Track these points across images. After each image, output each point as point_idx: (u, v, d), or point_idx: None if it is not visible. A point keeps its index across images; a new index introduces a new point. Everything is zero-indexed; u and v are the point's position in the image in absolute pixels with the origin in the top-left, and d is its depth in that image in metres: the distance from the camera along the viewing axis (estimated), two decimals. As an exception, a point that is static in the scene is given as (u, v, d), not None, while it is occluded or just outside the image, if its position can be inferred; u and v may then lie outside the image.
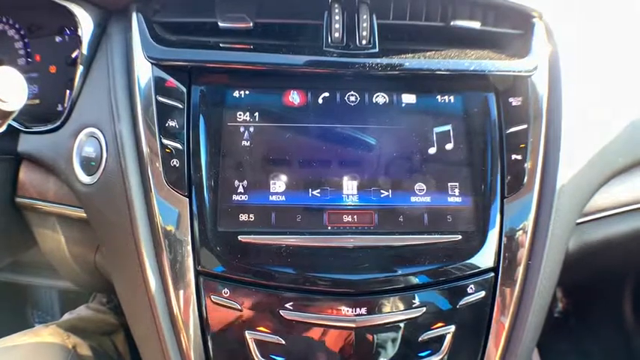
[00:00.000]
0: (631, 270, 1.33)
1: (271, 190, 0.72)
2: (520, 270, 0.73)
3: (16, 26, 0.91)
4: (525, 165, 0.74)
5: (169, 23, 0.76)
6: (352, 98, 0.76)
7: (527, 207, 0.74)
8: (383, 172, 0.74)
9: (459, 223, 0.73)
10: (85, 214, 0.79)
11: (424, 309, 0.70)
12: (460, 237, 0.72)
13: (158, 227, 0.69)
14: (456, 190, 0.74)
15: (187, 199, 0.70)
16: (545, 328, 0.79)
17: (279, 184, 0.73)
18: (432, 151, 0.75)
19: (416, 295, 0.70)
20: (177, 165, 0.71)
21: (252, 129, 0.74)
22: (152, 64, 0.72)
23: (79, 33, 0.77)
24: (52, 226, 0.89)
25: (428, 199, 0.74)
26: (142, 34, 0.73)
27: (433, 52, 0.76)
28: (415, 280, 0.70)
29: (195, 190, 0.70)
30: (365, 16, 0.74)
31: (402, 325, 0.70)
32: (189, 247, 0.69)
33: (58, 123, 0.78)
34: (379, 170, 0.74)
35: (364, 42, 0.74)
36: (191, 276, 0.69)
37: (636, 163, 0.86)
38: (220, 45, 0.73)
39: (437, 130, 0.76)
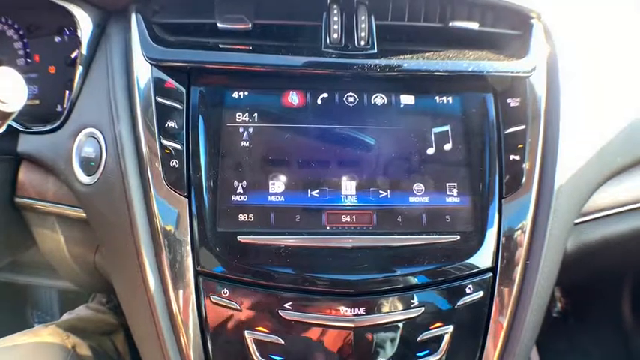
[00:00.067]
0: (629, 270, 1.33)
1: (270, 191, 0.73)
2: (518, 270, 0.73)
3: (16, 26, 0.91)
4: (523, 165, 0.75)
5: (168, 24, 0.76)
6: (351, 99, 0.76)
7: (525, 207, 0.74)
8: (381, 172, 0.74)
9: (458, 224, 0.74)
10: (84, 215, 0.79)
11: (422, 309, 0.70)
12: (458, 237, 0.72)
13: (157, 227, 0.70)
14: (455, 191, 0.75)
15: (187, 199, 0.70)
16: (544, 328, 0.79)
17: (278, 184, 0.73)
18: (431, 151, 0.76)
19: (414, 295, 0.70)
20: (177, 165, 0.71)
21: (251, 130, 0.74)
22: (151, 64, 0.72)
23: (79, 33, 0.77)
24: (51, 226, 0.89)
25: (426, 199, 0.74)
26: (142, 34, 0.73)
27: (431, 52, 0.76)
28: (414, 280, 0.71)
29: (194, 191, 0.71)
30: (363, 17, 0.74)
31: (400, 324, 0.70)
32: (189, 248, 0.70)
33: (58, 123, 0.78)
34: (378, 171, 0.74)
35: (363, 43, 0.74)
36: (190, 276, 0.70)
37: (634, 163, 0.86)
38: (219, 46, 0.73)
39: (435, 130, 0.76)
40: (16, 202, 0.86)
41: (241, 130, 0.74)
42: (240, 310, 0.69)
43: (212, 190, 0.71)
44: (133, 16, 0.74)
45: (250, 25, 0.76)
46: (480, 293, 0.72)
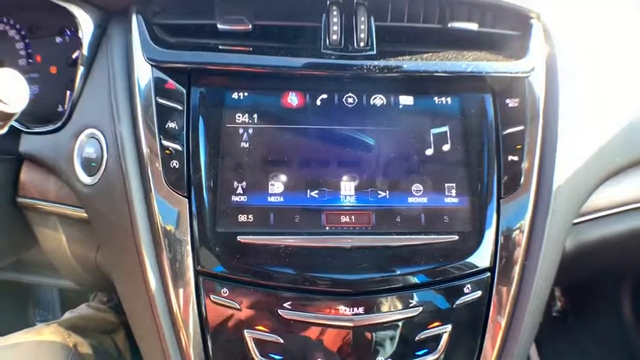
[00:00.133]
0: (628, 269, 1.33)
1: (270, 191, 0.73)
2: (516, 270, 0.73)
3: (17, 27, 0.92)
4: (522, 166, 0.75)
5: (169, 25, 0.77)
6: (350, 100, 0.77)
7: (524, 207, 0.74)
8: (380, 173, 0.75)
9: (456, 224, 0.74)
10: (85, 214, 0.80)
11: (421, 308, 0.70)
12: (457, 237, 0.73)
13: (158, 227, 0.70)
14: (453, 191, 0.75)
15: (187, 199, 0.71)
16: (544, 327, 0.80)
17: (277, 185, 0.73)
18: (429, 152, 0.76)
19: (413, 294, 0.71)
20: (177, 166, 0.71)
21: (250, 130, 0.75)
22: (152, 65, 0.73)
23: (80, 34, 0.77)
24: (53, 225, 0.89)
25: (425, 199, 0.75)
26: (142, 35, 0.73)
27: (431, 53, 0.76)
28: (412, 280, 0.71)
29: (194, 191, 0.71)
30: (363, 18, 0.74)
31: (399, 324, 0.70)
32: (189, 247, 0.70)
33: (59, 124, 0.79)
34: (377, 171, 0.75)
35: (362, 44, 0.74)
36: (190, 275, 0.70)
37: (633, 164, 0.86)
38: (219, 47, 0.74)
39: (434, 131, 0.76)
40: (17, 202, 0.86)
41: (241, 130, 0.74)
42: (240, 310, 0.69)
43: (212, 191, 0.72)
44: (134, 17, 0.75)
45: (250, 27, 0.76)
46: (478, 293, 0.72)
